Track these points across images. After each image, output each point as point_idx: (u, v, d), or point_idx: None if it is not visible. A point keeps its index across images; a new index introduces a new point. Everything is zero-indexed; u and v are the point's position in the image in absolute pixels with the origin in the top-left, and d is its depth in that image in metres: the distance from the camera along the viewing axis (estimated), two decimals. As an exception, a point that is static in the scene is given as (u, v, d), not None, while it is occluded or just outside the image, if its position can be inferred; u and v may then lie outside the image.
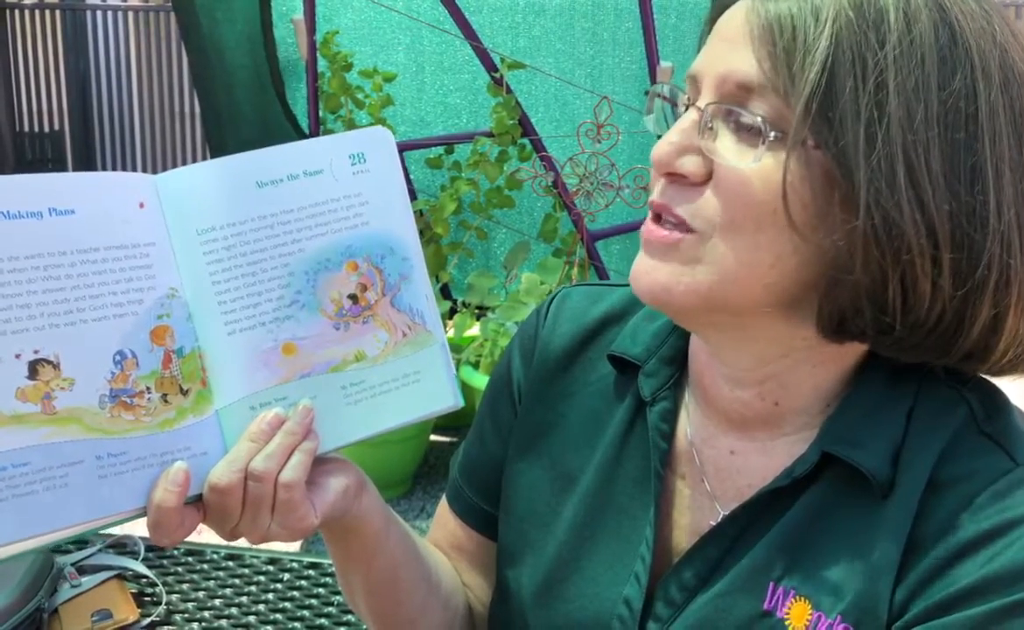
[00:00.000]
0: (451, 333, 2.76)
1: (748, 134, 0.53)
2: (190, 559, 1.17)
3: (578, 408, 0.68)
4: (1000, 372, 0.57)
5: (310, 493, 0.57)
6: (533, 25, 3.06)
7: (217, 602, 1.10)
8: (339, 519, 0.61)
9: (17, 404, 0.50)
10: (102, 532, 1.12)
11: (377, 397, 0.60)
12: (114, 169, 6.07)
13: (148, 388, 0.54)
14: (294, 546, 1.57)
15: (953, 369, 0.56)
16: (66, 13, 5.94)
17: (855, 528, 0.55)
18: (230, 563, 1.17)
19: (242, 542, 0.58)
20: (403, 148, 2.85)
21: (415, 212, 2.75)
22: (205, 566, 1.16)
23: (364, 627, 0.73)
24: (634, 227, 2.89)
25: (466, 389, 2.47)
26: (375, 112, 2.85)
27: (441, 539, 0.76)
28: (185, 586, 1.12)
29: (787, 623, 0.56)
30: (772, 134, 0.52)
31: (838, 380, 0.58)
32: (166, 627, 1.06)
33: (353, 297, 0.59)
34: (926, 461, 0.55)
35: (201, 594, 1.11)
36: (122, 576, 1.11)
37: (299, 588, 1.13)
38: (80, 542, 1.14)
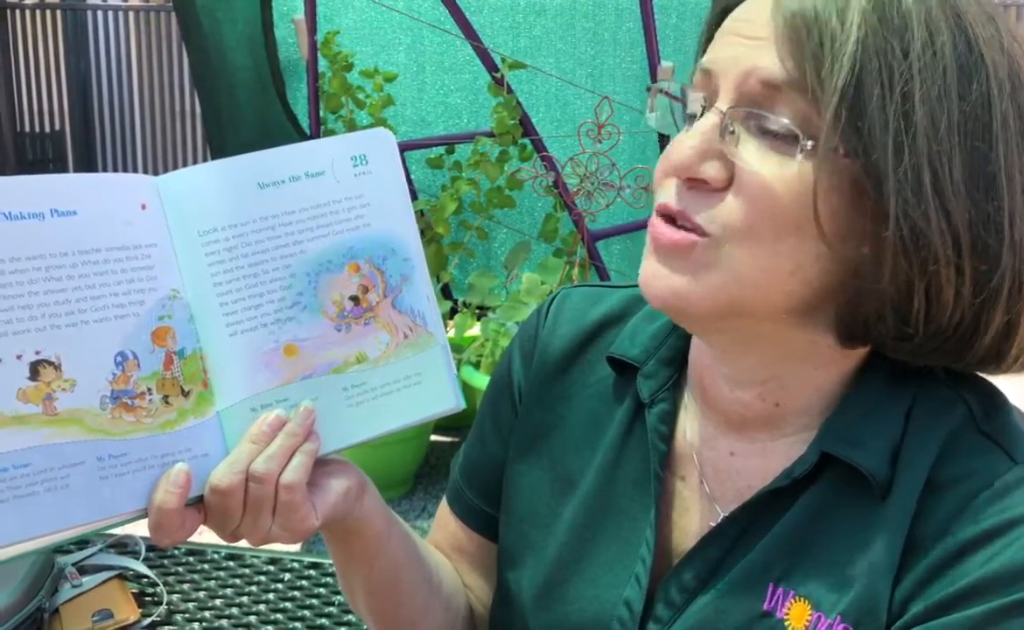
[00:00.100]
0: (452, 333, 2.76)
1: (774, 139, 0.52)
2: (191, 559, 1.17)
3: (578, 410, 0.68)
4: (1007, 371, 0.57)
5: (311, 495, 0.57)
6: (534, 25, 3.06)
7: (218, 602, 1.10)
8: (340, 521, 0.61)
9: (18, 405, 0.50)
10: (103, 532, 1.12)
11: (379, 399, 0.60)
12: (115, 169, 6.07)
13: (149, 389, 0.54)
14: (295, 546, 1.57)
15: (953, 369, 0.57)
16: (67, 13, 5.94)
17: (854, 528, 0.55)
18: (231, 563, 1.17)
19: (243, 542, 0.58)
20: (404, 148, 2.85)
21: (416, 212, 2.74)
22: (206, 566, 1.16)
23: (365, 628, 0.73)
24: (635, 227, 2.89)
25: (467, 389, 2.47)
26: (376, 112, 2.85)
27: (442, 540, 0.76)
28: (186, 586, 1.12)
29: (787, 624, 0.56)
30: (808, 143, 0.50)
31: (839, 381, 0.58)
32: (167, 627, 1.06)
33: (354, 298, 0.59)
34: (924, 460, 0.55)
35: (202, 594, 1.11)
36: (123, 576, 1.11)
37: (300, 588, 1.13)
38: (81, 542, 1.14)
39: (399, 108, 3.00)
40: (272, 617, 1.08)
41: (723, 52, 0.55)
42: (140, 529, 0.55)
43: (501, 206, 2.90)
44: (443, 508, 0.77)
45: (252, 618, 1.08)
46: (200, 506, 0.56)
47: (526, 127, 2.84)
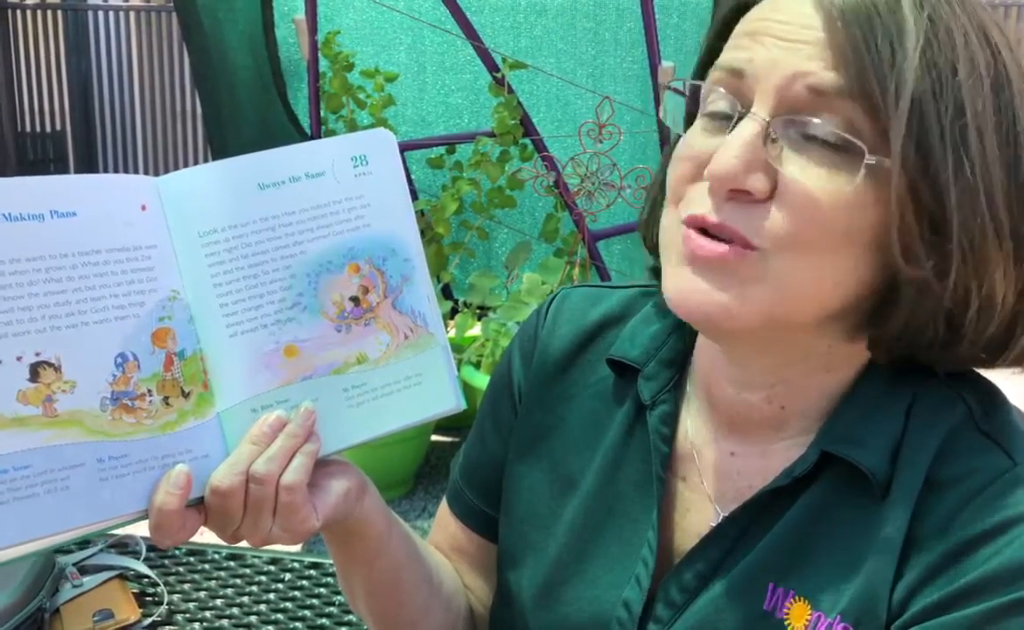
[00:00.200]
0: (452, 333, 2.76)
1: (820, 147, 0.51)
2: (192, 559, 1.17)
3: (578, 411, 0.68)
4: None
5: (312, 496, 0.57)
6: (535, 25, 3.06)
7: (219, 602, 1.10)
8: (341, 521, 0.61)
9: (18, 406, 0.50)
10: (104, 533, 1.12)
11: (379, 399, 0.60)
12: (116, 169, 6.07)
13: (149, 390, 0.54)
14: (295, 547, 1.57)
15: (952, 369, 0.57)
16: (68, 13, 5.94)
17: (854, 527, 0.55)
18: (232, 563, 1.17)
19: (244, 543, 0.58)
20: (404, 148, 2.85)
21: (417, 212, 2.74)
22: (207, 566, 1.16)
23: (366, 628, 0.73)
24: (635, 227, 2.88)
25: (467, 389, 2.47)
26: (376, 112, 2.85)
27: (442, 541, 0.76)
28: (187, 586, 1.12)
29: (787, 623, 0.56)
30: (873, 159, 0.50)
31: (843, 383, 0.58)
32: (167, 627, 1.06)
33: (355, 299, 0.59)
34: (924, 459, 0.55)
35: (203, 594, 1.11)
36: (124, 576, 1.11)
37: (300, 588, 1.13)
38: (82, 542, 1.14)
39: (400, 108, 3.00)
40: (273, 617, 1.08)
41: (759, 54, 0.53)
42: (141, 529, 0.55)
43: (502, 206, 2.90)
44: (443, 508, 0.77)
45: (253, 618, 1.08)
46: (200, 507, 0.56)
47: (527, 127, 2.84)
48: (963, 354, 0.55)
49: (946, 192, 0.50)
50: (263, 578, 1.15)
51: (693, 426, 0.64)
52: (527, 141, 2.86)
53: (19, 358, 0.50)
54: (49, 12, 5.91)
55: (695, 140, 0.55)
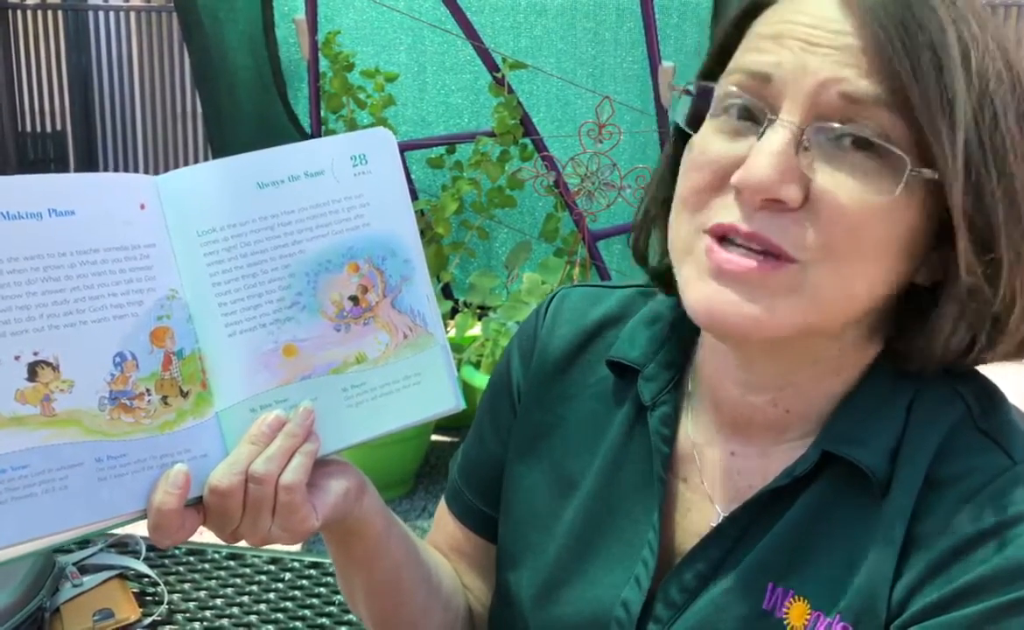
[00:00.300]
0: (452, 333, 2.76)
1: (854, 154, 0.50)
2: (192, 559, 1.17)
3: (577, 411, 0.68)
4: None
5: (311, 495, 0.57)
6: (535, 25, 3.06)
7: (219, 602, 1.10)
8: (340, 521, 0.61)
9: (16, 406, 0.50)
10: (103, 532, 1.12)
11: (378, 399, 0.60)
12: (116, 169, 6.07)
13: (148, 390, 0.54)
14: (295, 546, 1.57)
15: (951, 367, 0.57)
16: (68, 13, 5.94)
17: (854, 527, 0.55)
18: (232, 563, 1.17)
19: (243, 542, 0.58)
20: (404, 148, 2.85)
21: (417, 212, 2.74)
22: (207, 566, 1.16)
23: (365, 628, 0.73)
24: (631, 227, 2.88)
25: (467, 389, 2.47)
26: (377, 112, 2.85)
27: (441, 541, 0.76)
28: (187, 586, 1.12)
29: (786, 623, 0.56)
30: (916, 170, 0.49)
31: (848, 385, 0.58)
32: (168, 627, 1.06)
33: (354, 298, 0.59)
34: (923, 458, 0.55)
35: (203, 594, 1.11)
36: (124, 575, 1.11)
37: (300, 588, 1.13)
38: (82, 541, 1.14)
39: (400, 108, 3.00)
40: (273, 617, 1.08)
41: (786, 58, 0.51)
42: (141, 529, 0.55)
43: (502, 206, 2.90)
44: (441, 508, 0.77)
45: (253, 618, 1.08)
46: (199, 507, 0.56)
47: (527, 127, 2.84)
48: (998, 354, 0.55)
49: (991, 201, 0.50)
50: (263, 578, 1.15)
51: (694, 426, 0.64)
52: (527, 141, 2.86)
53: (17, 357, 0.50)
54: (50, 12, 5.91)
55: (712, 145, 0.54)
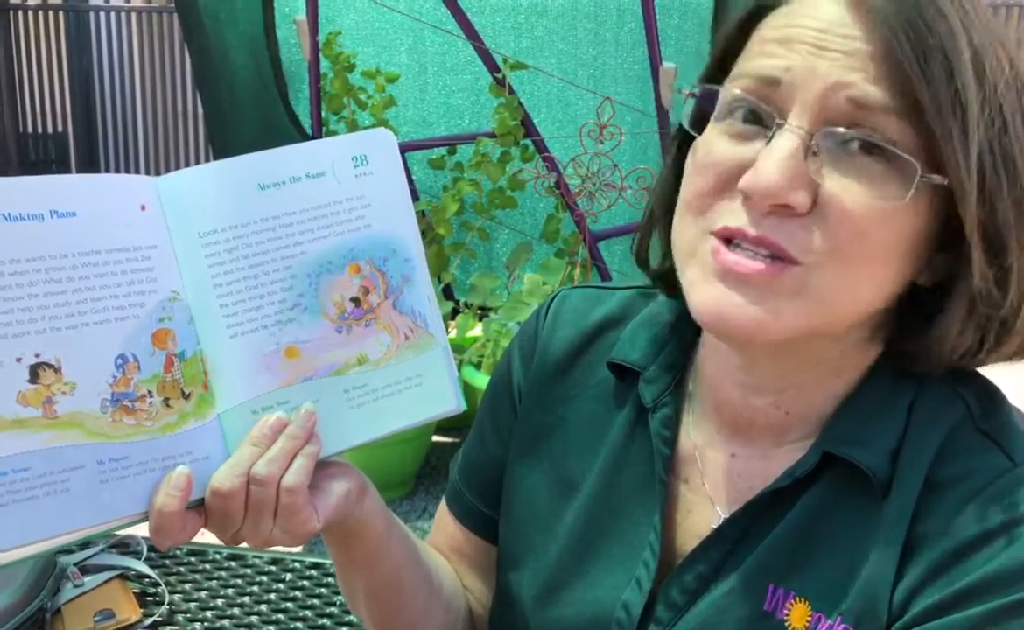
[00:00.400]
0: (453, 334, 2.76)
1: (861, 160, 0.50)
2: (192, 559, 1.17)
3: (578, 412, 0.68)
4: None
5: (312, 497, 0.57)
6: (535, 26, 3.06)
7: (219, 602, 1.10)
8: (341, 523, 0.61)
9: (18, 408, 0.50)
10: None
11: (379, 401, 0.60)
12: (117, 169, 6.08)
13: (150, 392, 0.54)
14: (296, 547, 1.57)
15: (952, 368, 0.57)
16: (69, 14, 5.94)
17: (854, 528, 0.55)
18: (232, 563, 1.17)
19: (244, 543, 0.58)
20: (405, 149, 2.84)
21: (417, 212, 2.74)
22: (207, 566, 1.16)
23: (366, 628, 0.73)
24: (637, 228, 2.88)
25: (468, 390, 2.47)
26: (378, 113, 2.85)
27: (441, 542, 0.76)
28: (187, 586, 1.12)
29: (787, 624, 0.56)
30: (927, 176, 0.49)
31: (849, 386, 0.58)
32: (168, 627, 1.06)
33: (355, 300, 0.59)
34: (924, 459, 0.55)
35: (203, 594, 1.11)
36: (125, 576, 1.11)
37: (301, 588, 1.13)
38: (83, 542, 1.14)
39: (401, 109, 3.00)
40: (274, 617, 1.08)
41: (795, 62, 0.51)
42: (142, 529, 0.55)
43: (503, 207, 2.90)
44: (442, 509, 0.77)
45: (254, 618, 1.08)
46: (201, 509, 0.56)
47: (528, 128, 2.84)
48: (1001, 356, 0.55)
49: (1003, 206, 0.50)
50: (264, 578, 1.15)
51: (695, 428, 0.64)
52: (528, 142, 2.86)
53: (19, 359, 0.50)
54: (51, 13, 5.92)
55: (718, 148, 0.54)
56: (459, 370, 2.20)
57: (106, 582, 1.09)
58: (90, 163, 6.09)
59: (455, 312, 2.88)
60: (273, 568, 1.17)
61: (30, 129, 6.03)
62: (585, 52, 3.08)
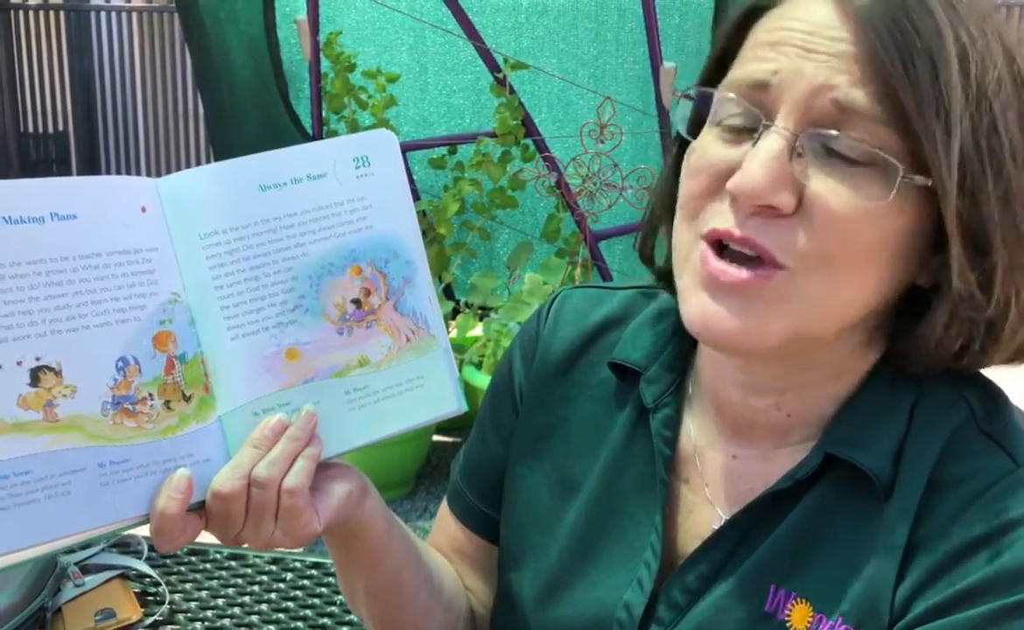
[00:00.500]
0: (454, 333, 2.76)
1: (845, 162, 0.50)
2: (193, 559, 1.17)
3: (579, 412, 0.68)
4: None
5: (313, 499, 0.57)
6: (536, 25, 3.06)
7: (220, 601, 1.10)
8: (342, 524, 0.61)
9: (19, 412, 0.50)
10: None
11: (381, 402, 0.60)
12: (118, 169, 6.07)
13: (151, 394, 0.54)
14: (298, 548, 1.56)
15: (955, 371, 0.57)
16: (70, 14, 5.94)
17: (856, 530, 0.55)
18: (233, 563, 1.17)
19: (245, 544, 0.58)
20: (406, 148, 2.84)
21: (418, 212, 2.73)
22: (208, 565, 1.16)
23: (366, 628, 0.73)
24: (637, 228, 2.87)
25: (469, 390, 2.47)
26: (378, 113, 2.85)
27: (442, 542, 0.76)
28: (188, 585, 1.12)
29: (788, 625, 0.56)
30: (908, 178, 0.49)
31: (850, 388, 0.58)
32: (169, 626, 1.06)
33: (357, 302, 0.59)
34: (926, 461, 0.55)
35: (204, 593, 1.11)
36: (125, 575, 1.12)
37: (302, 588, 1.13)
38: (84, 542, 1.14)
39: (402, 108, 3.00)
40: (274, 617, 1.08)
41: (783, 65, 0.51)
42: (143, 529, 0.55)
43: (503, 206, 2.90)
44: (443, 509, 0.77)
45: (254, 618, 1.08)
46: (202, 511, 0.56)
47: (528, 127, 2.84)
48: (996, 358, 0.55)
49: (987, 208, 0.50)
50: (264, 578, 1.15)
51: (696, 429, 0.64)
52: (529, 141, 2.85)
53: (19, 362, 0.50)
54: (51, 12, 5.92)
55: (711, 151, 0.54)
56: (460, 370, 2.20)
57: (107, 581, 1.09)
58: (91, 163, 6.09)
59: (456, 312, 2.88)
60: (274, 568, 1.17)
61: (31, 129, 6.03)
62: (586, 52, 3.08)
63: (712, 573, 0.59)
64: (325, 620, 1.08)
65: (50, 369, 0.51)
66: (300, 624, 1.07)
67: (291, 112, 3.09)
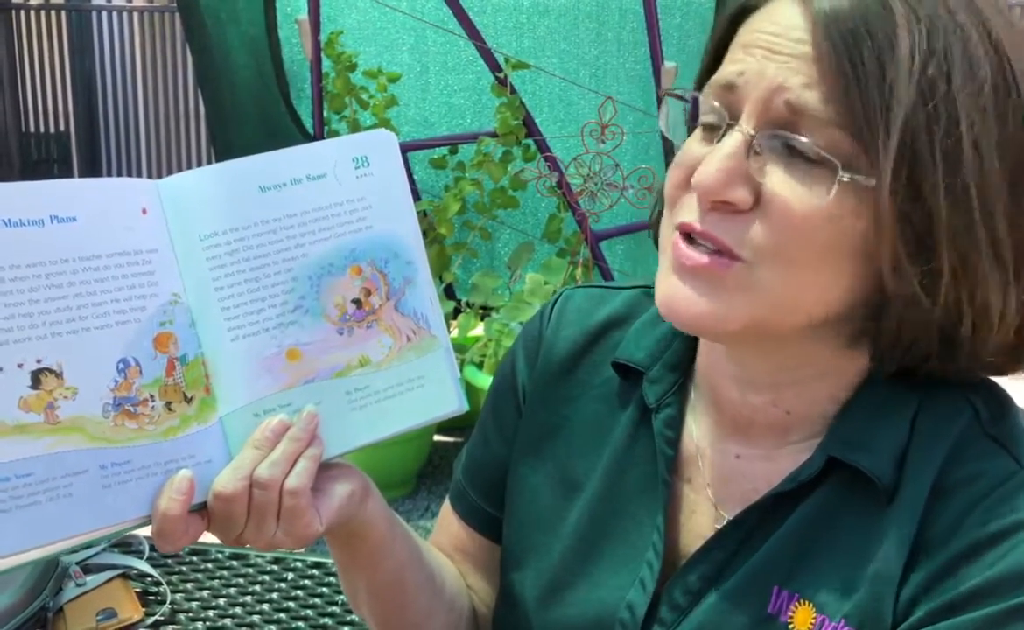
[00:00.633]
0: (455, 333, 2.76)
1: (802, 161, 0.51)
2: (195, 558, 1.17)
3: (582, 412, 0.68)
4: None
5: (315, 499, 0.57)
6: (537, 25, 3.06)
7: (221, 601, 1.10)
8: (344, 525, 0.61)
9: (20, 414, 0.50)
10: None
11: (382, 402, 0.60)
12: (119, 169, 6.08)
13: (152, 396, 0.54)
14: (299, 548, 1.56)
15: (959, 375, 0.56)
16: (71, 13, 5.95)
17: (859, 532, 0.55)
18: (234, 562, 1.17)
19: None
20: (407, 148, 2.84)
21: (419, 212, 2.74)
22: (209, 565, 1.16)
23: (368, 628, 0.73)
24: (638, 227, 2.88)
25: (470, 389, 2.47)
26: (379, 112, 2.85)
27: (445, 542, 0.76)
28: (189, 585, 1.12)
29: (791, 627, 0.56)
30: (847, 175, 0.50)
31: (849, 389, 0.58)
32: (170, 626, 1.06)
33: (357, 302, 0.59)
34: (932, 464, 0.55)
35: (205, 593, 1.11)
36: (127, 575, 1.12)
37: (303, 588, 1.13)
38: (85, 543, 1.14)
39: (403, 108, 3.00)
40: (275, 616, 1.08)
41: (750, 66, 0.53)
42: (144, 529, 0.55)
43: (504, 206, 2.90)
44: (446, 509, 0.77)
45: (255, 617, 1.08)
46: (203, 512, 0.56)
47: (529, 127, 2.84)
48: (966, 366, 0.54)
49: (935, 209, 0.49)
50: (266, 578, 1.15)
51: (698, 429, 0.64)
52: (530, 141, 2.85)
53: (20, 365, 0.50)
54: (53, 12, 5.92)
55: (690, 148, 0.56)
56: (461, 370, 2.20)
57: (108, 581, 1.09)
58: (92, 163, 6.09)
59: (457, 312, 2.88)
60: (275, 568, 1.17)
61: (32, 128, 6.04)
62: (587, 52, 3.08)
63: (714, 574, 0.59)
64: (326, 620, 1.08)
65: (51, 371, 0.51)
66: (301, 624, 1.07)
67: (292, 112, 3.09)
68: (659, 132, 0.60)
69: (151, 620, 1.06)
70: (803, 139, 0.51)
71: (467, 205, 2.89)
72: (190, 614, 1.08)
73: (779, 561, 0.57)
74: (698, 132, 0.56)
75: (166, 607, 1.08)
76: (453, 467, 0.77)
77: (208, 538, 0.57)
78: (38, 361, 0.51)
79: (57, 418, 0.51)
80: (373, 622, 0.71)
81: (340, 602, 1.11)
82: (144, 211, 0.55)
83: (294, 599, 1.11)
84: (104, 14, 6.06)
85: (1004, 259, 0.51)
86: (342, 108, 2.87)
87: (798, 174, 0.51)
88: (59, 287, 0.51)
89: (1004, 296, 0.52)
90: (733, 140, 0.53)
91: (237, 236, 0.56)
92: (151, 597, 1.10)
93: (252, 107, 3.11)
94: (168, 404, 0.54)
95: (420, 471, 2.79)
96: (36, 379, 0.51)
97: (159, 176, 0.56)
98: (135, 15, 6.10)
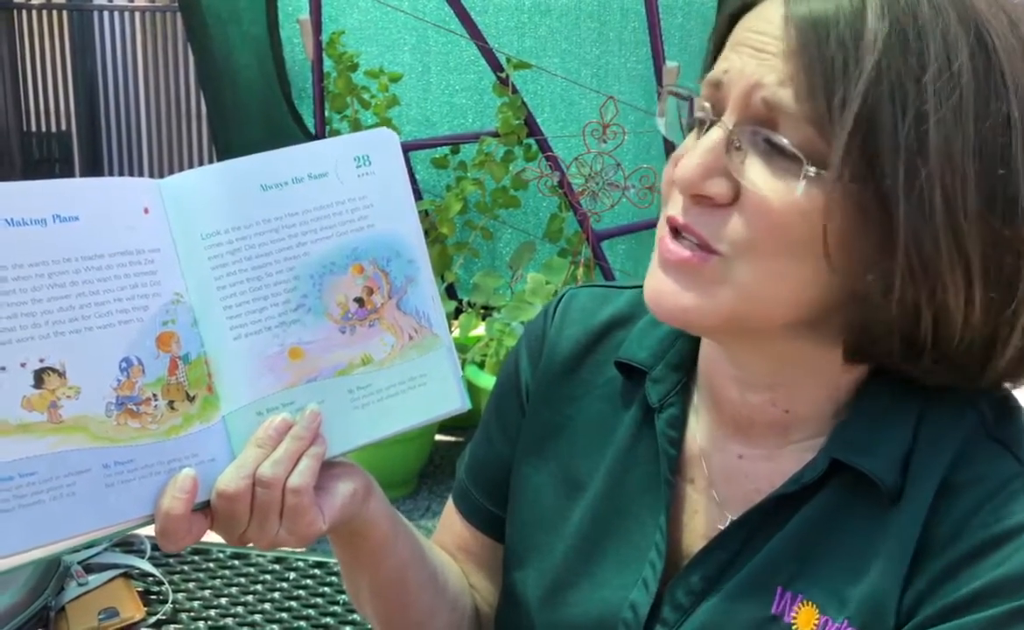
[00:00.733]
0: (456, 333, 2.76)
1: (781, 158, 0.51)
2: (196, 558, 1.17)
3: (585, 412, 0.68)
4: None
5: (318, 498, 0.57)
6: (539, 25, 3.06)
7: (223, 600, 1.10)
8: (347, 523, 0.61)
9: (23, 413, 0.50)
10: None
11: (384, 401, 0.60)
12: (121, 169, 6.08)
13: (155, 395, 0.54)
14: (302, 547, 1.56)
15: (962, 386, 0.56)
16: (73, 13, 5.95)
17: (863, 534, 0.55)
18: (236, 562, 1.17)
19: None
20: (409, 148, 2.84)
21: (421, 212, 2.74)
22: (211, 564, 1.16)
23: (370, 627, 0.73)
24: (639, 227, 2.89)
25: (471, 389, 2.47)
26: (381, 112, 2.85)
27: (447, 541, 0.76)
28: (191, 584, 1.13)
29: (794, 628, 0.56)
30: (812, 170, 0.50)
31: (849, 389, 0.58)
32: (172, 625, 1.06)
33: (359, 300, 0.59)
34: (936, 467, 0.55)
35: (207, 592, 1.11)
36: (128, 574, 1.12)
37: (305, 587, 1.13)
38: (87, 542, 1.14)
39: (404, 108, 3.00)
40: (277, 616, 1.08)
41: (734, 64, 0.53)
42: (146, 528, 0.55)
43: (506, 206, 2.90)
44: (449, 508, 0.77)
45: (257, 616, 1.08)
46: (207, 511, 0.56)
47: (531, 127, 2.84)
48: (933, 371, 0.54)
49: (894, 206, 0.49)
50: (267, 577, 1.15)
51: (701, 429, 0.64)
52: (531, 141, 2.85)
53: (23, 364, 0.50)
54: (55, 12, 5.93)
55: (684, 144, 0.57)
56: (462, 369, 2.20)
57: (110, 581, 1.09)
58: (94, 162, 6.09)
59: (458, 311, 2.88)
60: (277, 567, 1.17)
61: (34, 128, 6.04)
62: (588, 51, 3.08)
63: (717, 574, 0.59)
64: (328, 619, 1.08)
65: (54, 371, 0.51)
66: (303, 623, 1.07)
67: (294, 111, 3.10)
68: (669, 137, 0.60)
69: (153, 619, 1.06)
70: (778, 135, 0.51)
71: (469, 205, 2.89)
72: (192, 613, 1.08)
73: (782, 562, 0.57)
74: (693, 131, 0.57)
75: (168, 606, 1.08)
76: (456, 466, 0.77)
77: (210, 537, 0.57)
78: (41, 360, 0.51)
79: (60, 417, 0.51)
80: (375, 621, 0.71)
81: (342, 602, 1.11)
82: (146, 210, 0.55)
83: (296, 598, 1.11)
84: (106, 14, 6.07)
85: (968, 263, 0.50)
86: (343, 108, 2.87)
87: (775, 170, 0.52)
88: (62, 286, 0.51)
89: (966, 298, 0.51)
90: (713, 135, 0.53)
91: (239, 235, 0.56)
92: (153, 596, 1.10)
93: (253, 107, 3.11)
94: (171, 403, 0.54)
95: (421, 470, 2.79)
96: (39, 378, 0.51)
97: (161, 175, 0.57)
98: (137, 15, 6.10)
